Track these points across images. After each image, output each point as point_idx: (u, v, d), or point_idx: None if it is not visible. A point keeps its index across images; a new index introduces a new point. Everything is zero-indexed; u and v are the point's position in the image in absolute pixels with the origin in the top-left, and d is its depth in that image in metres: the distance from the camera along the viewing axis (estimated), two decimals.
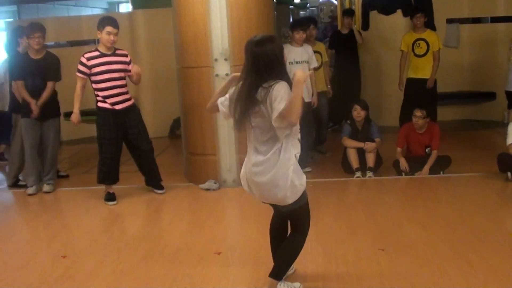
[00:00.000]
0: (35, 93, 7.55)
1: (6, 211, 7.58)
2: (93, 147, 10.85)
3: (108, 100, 6.93)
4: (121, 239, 6.08)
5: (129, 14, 12.43)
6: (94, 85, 6.97)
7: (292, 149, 4.07)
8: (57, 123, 7.86)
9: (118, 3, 22.11)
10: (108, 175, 7.20)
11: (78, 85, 7.00)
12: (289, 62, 7.83)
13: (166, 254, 5.41)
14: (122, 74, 6.97)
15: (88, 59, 6.88)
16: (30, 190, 7.72)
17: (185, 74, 7.52)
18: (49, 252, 5.73)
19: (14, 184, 8.30)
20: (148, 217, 7.00)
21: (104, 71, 6.88)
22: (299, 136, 4.13)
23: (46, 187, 7.75)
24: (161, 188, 7.41)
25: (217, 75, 7.18)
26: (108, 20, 6.92)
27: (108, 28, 6.83)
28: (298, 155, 4.12)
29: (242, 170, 4.37)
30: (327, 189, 7.29)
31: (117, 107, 6.97)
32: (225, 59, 7.16)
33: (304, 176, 4.17)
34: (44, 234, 6.37)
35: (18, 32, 8.30)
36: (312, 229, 5.83)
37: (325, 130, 9.26)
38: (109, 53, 6.95)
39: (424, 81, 9.17)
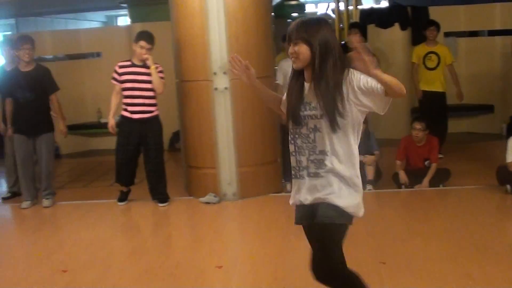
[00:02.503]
0: (27, 106, 7.52)
1: (5, 226, 7.57)
2: (92, 161, 10.95)
3: (129, 108, 7.20)
4: (122, 253, 6.07)
5: (127, 28, 12.45)
6: (123, 93, 7.24)
7: None
8: (50, 138, 7.76)
9: (117, 16, 22.16)
10: (119, 177, 7.52)
11: (113, 92, 7.34)
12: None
13: (166, 268, 5.40)
14: (148, 86, 7.16)
15: (120, 67, 7.26)
16: (24, 205, 7.73)
17: (184, 88, 7.53)
18: (49, 266, 5.71)
19: (9, 198, 8.33)
20: (149, 231, 6.98)
21: (129, 80, 7.17)
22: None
23: (45, 202, 7.73)
24: (163, 201, 7.44)
25: (216, 89, 7.20)
26: (143, 34, 7.22)
27: (141, 43, 7.13)
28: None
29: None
30: None
31: (135, 116, 7.19)
32: (224, 73, 7.18)
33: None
34: (44, 248, 6.34)
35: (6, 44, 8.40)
36: None
37: None
38: (139, 64, 7.20)
39: (434, 94, 9.22)
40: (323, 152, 3.36)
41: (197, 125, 7.41)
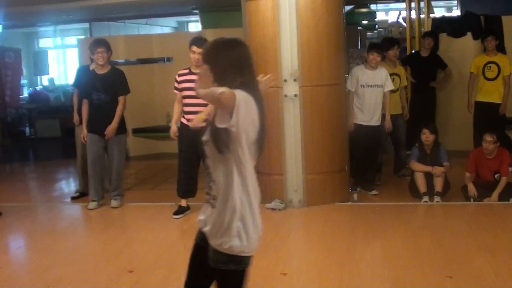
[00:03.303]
0: (100, 108, 7.69)
1: (73, 225, 7.73)
2: (160, 164, 11.09)
3: (186, 116, 7.18)
4: (187, 255, 6.10)
5: (198, 34, 12.57)
6: (182, 100, 7.26)
7: None
8: (122, 139, 7.95)
9: (187, 22, 22.39)
10: (179, 187, 7.42)
11: (176, 101, 7.38)
12: (361, 85, 7.84)
13: None
14: None
15: (179, 75, 7.31)
16: (90, 205, 7.89)
17: None
18: (115, 266, 5.83)
19: (77, 197, 8.51)
20: None
21: (187, 88, 7.15)
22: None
23: (113, 203, 7.88)
24: None
25: (286, 96, 7.21)
26: (194, 40, 7.21)
27: (193, 48, 7.11)
28: None
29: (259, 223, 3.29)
30: (393, 213, 7.22)
31: (191, 124, 7.12)
32: (294, 80, 7.19)
33: None
34: (111, 248, 6.48)
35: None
36: (379, 253, 5.83)
37: (404, 153, 9.00)
38: (198, 71, 7.09)
39: (492, 105, 9.05)
40: (212, 180, 3.23)
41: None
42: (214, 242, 3.19)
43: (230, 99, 2.91)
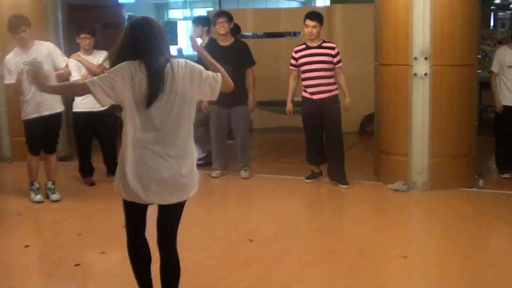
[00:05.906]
0: None
1: (201, 192, 7.83)
2: (283, 137, 11.13)
3: (308, 90, 7.31)
4: (307, 230, 6.15)
5: (327, 9, 12.47)
6: (301, 75, 7.40)
7: None
8: (246, 111, 7.97)
9: None
10: (309, 157, 7.71)
11: (290, 77, 7.55)
12: (508, 66, 7.65)
13: (350, 251, 5.38)
14: (325, 66, 7.23)
15: (296, 51, 7.40)
16: (214, 174, 8.05)
17: (383, 71, 7.41)
18: (236, 234, 5.95)
19: (201, 165, 8.47)
20: (334, 212, 6.98)
21: (305, 63, 7.29)
22: None
23: (243, 173, 7.97)
24: (345, 183, 7.42)
25: (415, 74, 7.02)
26: (308, 13, 7.37)
27: (306, 21, 7.26)
28: None
29: (133, 172, 3.71)
30: None
31: (315, 97, 7.29)
32: (425, 58, 6.97)
33: None
34: (234, 216, 6.64)
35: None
36: (503, 243, 5.61)
37: None
38: (313, 45, 7.30)
39: None
40: None
41: (393, 110, 7.28)
42: None
43: (82, 90, 3.72)
